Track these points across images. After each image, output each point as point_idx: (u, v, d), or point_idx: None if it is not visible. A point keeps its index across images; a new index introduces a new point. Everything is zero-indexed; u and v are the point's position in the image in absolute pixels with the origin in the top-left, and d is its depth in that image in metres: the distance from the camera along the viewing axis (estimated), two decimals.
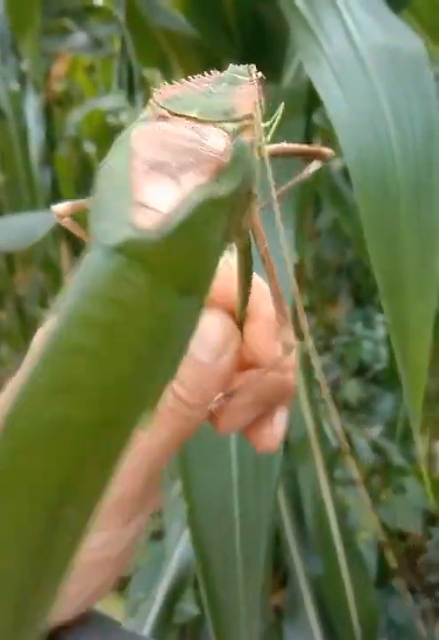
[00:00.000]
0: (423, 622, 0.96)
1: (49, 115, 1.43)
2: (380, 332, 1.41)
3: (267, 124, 0.23)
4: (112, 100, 1.38)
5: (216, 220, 0.19)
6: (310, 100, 0.58)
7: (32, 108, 1.39)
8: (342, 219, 0.92)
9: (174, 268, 0.18)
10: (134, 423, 0.19)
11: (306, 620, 0.79)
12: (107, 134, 1.40)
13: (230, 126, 0.20)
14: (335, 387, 1.33)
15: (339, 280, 1.49)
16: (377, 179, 0.43)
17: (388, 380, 1.31)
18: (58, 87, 1.57)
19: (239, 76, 0.22)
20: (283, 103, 0.24)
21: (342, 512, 0.83)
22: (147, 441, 0.27)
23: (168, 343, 0.19)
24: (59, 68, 1.54)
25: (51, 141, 1.40)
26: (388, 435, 1.13)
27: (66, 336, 0.17)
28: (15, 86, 1.39)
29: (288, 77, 0.68)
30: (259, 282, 0.29)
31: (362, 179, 0.44)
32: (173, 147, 0.20)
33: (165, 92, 0.21)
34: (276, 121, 0.24)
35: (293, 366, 0.31)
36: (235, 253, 0.26)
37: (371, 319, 1.45)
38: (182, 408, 0.27)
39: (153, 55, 0.80)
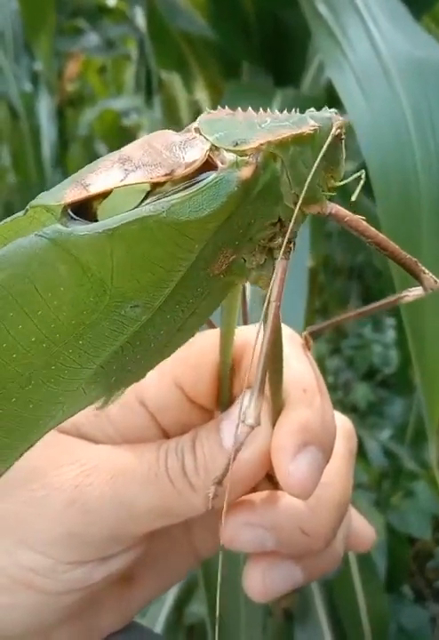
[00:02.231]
0: (432, 628, 0.96)
1: (61, 115, 1.44)
2: (390, 335, 1.41)
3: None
4: (124, 101, 1.38)
5: (173, 243, 0.19)
6: (329, 106, 0.58)
7: (45, 108, 1.39)
8: None
9: (102, 267, 0.19)
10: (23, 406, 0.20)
11: (316, 624, 0.79)
12: (118, 134, 1.41)
13: (231, 156, 0.20)
14: (345, 390, 1.33)
15: (349, 283, 1.49)
16: (398, 187, 0.43)
17: (398, 383, 1.30)
18: (70, 87, 1.58)
19: (309, 120, 0.21)
20: (363, 171, 0.22)
21: None
22: (127, 489, 0.25)
23: (91, 338, 0.20)
24: (72, 69, 1.54)
25: (63, 141, 1.41)
26: (398, 438, 1.13)
27: None
28: (28, 86, 1.39)
29: (306, 82, 0.68)
30: (309, 375, 0.26)
31: (383, 187, 0.44)
32: (151, 150, 0.20)
33: (215, 114, 0.21)
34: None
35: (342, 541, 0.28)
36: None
37: (381, 323, 1.45)
38: (182, 482, 0.25)
39: (172, 58, 0.80)
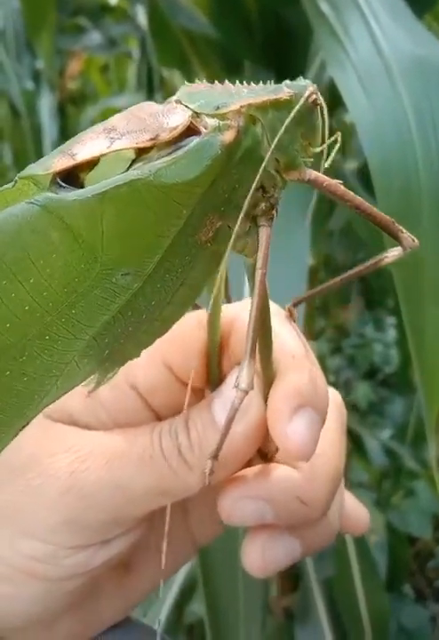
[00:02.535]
0: (432, 627, 0.96)
1: (63, 113, 1.43)
2: (391, 334, 1.41)
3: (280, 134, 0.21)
4: (126, 99, 1.38)
5: (161, 207, 0.20)
6: (331, 104, 0.58)
7: (46, 106, 1.39)
8: (356, 220, 0.92)
9: (93, 233, 0.19)
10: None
11: (317, 623, 0.79)
12: None
13: (213, 120, 0.20)
14: (345, 389, 1.33)
15: (350, 281, 1.49)
16: (400, 185, 0.43)
17: (399, 382, 1.30)
18: (72, 86, 1.58)
19: (284, 88, 0.22)
20: (339, 133, 0.23)
21: None
22: (123, 471, 0.25)
23: (83, 307, 0.20)
24: (74, 67, 1.54)
25: (64, 140, 1.40)
26: (399, 438, 1.13)
27: None
28: (30, 85, 1.39)
29: (308, 80, 0.68)
30: (296, 342, 0.26)
31: (385, 185, 0.43)
32: (134, 119, 0.21)
33: (194, 86, 0.22)
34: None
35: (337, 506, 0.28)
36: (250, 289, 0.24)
37: (382, 322, 1.45)
38: (177, 461, 0.25)
39: (174, 55, 0.80)
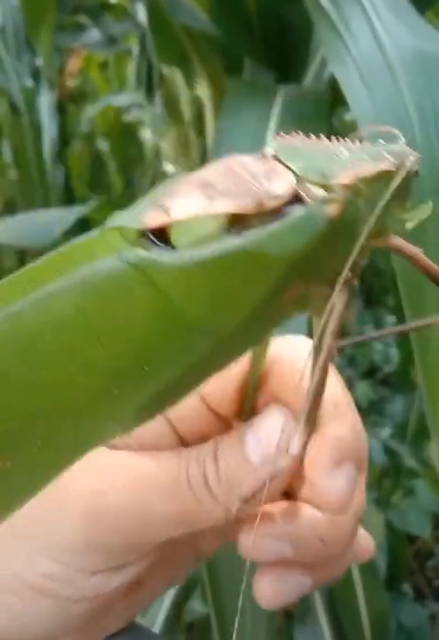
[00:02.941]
0: (432, 626, 0.96)
1: (62, 111, 1.43)
2: None
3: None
4: (126, 97, 1.38)
5: (257, 277, 0.19)
6: (332, 101, 0.58)
7: (46, 104, 1.39)
8: None
9: (185, 298, 0.19)
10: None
11: (316, 622, 0.79)
12: (120, 131, 1.40)
13: (318, 190, 0.19)
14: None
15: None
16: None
17: (399, 381, 1.30)
18: (71, 83, 1.57)
19: (386, 154, 0.20)
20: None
21: None
22: (147, 497, 0.25)
23: (157, 364, 0.19)
24: (73, 65, 1.54)
25: (64, 138, 1.41)
26: (398, 437, 1.13)
27: (46, 309, 0.19)
28: (29, 82, 1.39)
29: (309, 77, 0.68)
30: (338, 390, 0.25)
31: None
32: (233, 176, 0.19)
33: (288, 139, 0.21)
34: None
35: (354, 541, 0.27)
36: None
37: (382, 321, 1.45)
38: (203, 492, 0.25)
39: (173, 53, 0.79)
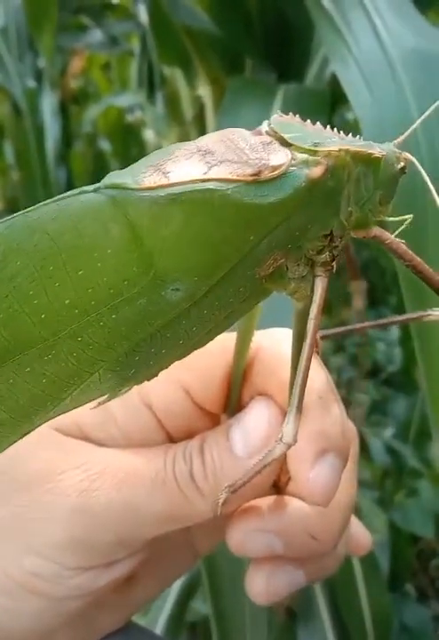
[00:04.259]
0: (434, 627, 0.95)
1: (65, 112, 1.43)
2: (394, 333, 1.41)
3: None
4: (128, 98, 1.38)
5: (231, 225, 0.19)
6: (333, 100, 0.58)
7: (48, 104, 1.39)
8: None
9: (155, 236, 0.19)
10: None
11: (319, 622, 0.79)
12: (122, 131, 1.40)
13: (302, 155, 0.20)
14: (348, 388, 1.33)
15: (351, 280, 1.49)
16: (404, 183, 0.43)
17: (402, 381, 1.30)
18: (74, 84, 1.57)
19: (376, 146, 0.21)
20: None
21: (356, 513, 0.82)
22: (134, 494, 0.25)
23: (114, 307, 0.19)
24: (76, 66, 1.54)
25: (66, 138, 1.41)
26: (401, 437, 1.12)
27: (17, 230, 0.19)
28: (31, 83, 1.39)
29: (310, 77, 0.68)
30: (322, 380, 0.25)
31: None
32: (232, 146, 0.20)
33: (286, 117, 0.21)
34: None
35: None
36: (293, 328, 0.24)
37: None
38: (189, 487, 0.25)
39: (174, 53, 0.80)
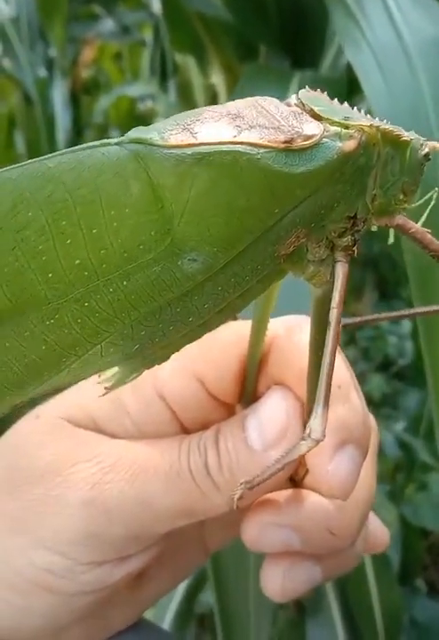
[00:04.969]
0: None
1: (76, 101, 1.43)
2: (406, 326, 1.40)
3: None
4: (139, 88, 1.37)
5: (257, 193, 0.18)
6: (349, 90, 0.57)
7: (59, 94, 1.39)
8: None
9: (177, 199, 0.18)
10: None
11: (329, 616, 0.78)
12: (134, 121, 1.40)
13: (335, 128, 0.19)
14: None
15: (364, 273, 1.48)
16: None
17: (413, 375, 1.29)
18: (85, 74, 1.57)
19: (404, 131, 0.21)
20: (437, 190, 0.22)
21: None
22: (148, 487, 0.24)
23: (126, 273, 0.18)
24: (87, 55, 1.53)
25: (77, 128, 1.40)
26: (412, 430, 1.12)
27: (31, 178, 0.17)
28: (43, 73, 1.38)
29: (325, 65, 0.67)
30: (342, 369, 0.25)
31: None
32: (263, 112, 0.19)
33: (313, 93, 0.21)
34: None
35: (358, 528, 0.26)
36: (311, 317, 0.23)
37: None
38: (204, 480, 0.24)
39: (188, 41, 0.79)
